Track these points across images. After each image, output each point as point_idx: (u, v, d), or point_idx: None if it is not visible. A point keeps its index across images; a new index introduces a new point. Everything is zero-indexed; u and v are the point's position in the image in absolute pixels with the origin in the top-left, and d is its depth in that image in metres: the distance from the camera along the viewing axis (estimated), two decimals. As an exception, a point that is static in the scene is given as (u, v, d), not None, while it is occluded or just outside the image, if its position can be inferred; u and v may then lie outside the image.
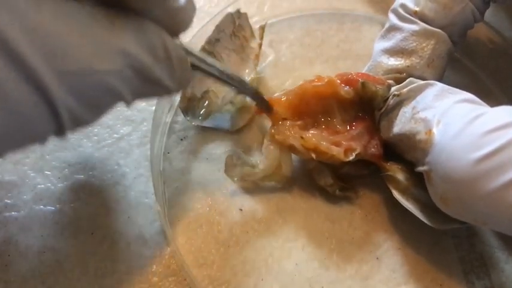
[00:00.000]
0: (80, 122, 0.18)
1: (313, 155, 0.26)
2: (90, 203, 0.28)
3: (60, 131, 0.17)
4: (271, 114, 0.27)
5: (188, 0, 0.20)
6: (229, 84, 0.25)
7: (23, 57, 0.15)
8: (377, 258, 0.27)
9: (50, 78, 0.15)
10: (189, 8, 0.21)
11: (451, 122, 0.23)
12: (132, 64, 0.18)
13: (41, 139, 0.17)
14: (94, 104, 0.18)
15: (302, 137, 0.26)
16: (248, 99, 0.29)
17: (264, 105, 0.27)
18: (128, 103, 0.19)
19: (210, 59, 0.24)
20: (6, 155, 0.16)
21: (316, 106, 0.27)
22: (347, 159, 0.26)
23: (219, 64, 0.24)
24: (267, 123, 0.29)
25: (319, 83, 0.27)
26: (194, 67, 0.23)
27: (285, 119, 0.27)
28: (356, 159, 0.27)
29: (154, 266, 0.26)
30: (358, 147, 0.26)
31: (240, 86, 0.26)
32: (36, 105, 0.15)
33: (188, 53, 0.22)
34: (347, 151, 0.26)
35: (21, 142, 0.16)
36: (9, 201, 0.28)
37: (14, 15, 0.14)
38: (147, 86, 0.19)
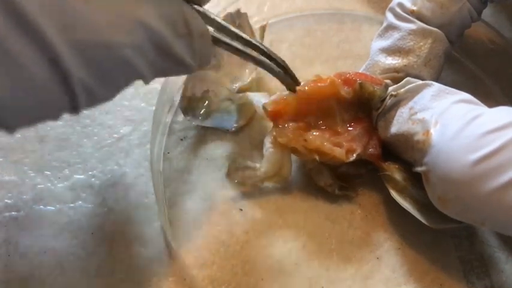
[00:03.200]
0: (95, 98, 0.17)
1: (317, 157, 0.26)
2: (90, 203, 0.28)
3: (75, 106, 0.16)
4: (296, 92, 0.26)
5: None
6: (253, 58, 0.23)
7: (38, 28, 0.14)
8: (377, 258, 0.27)
9: (65, 49, 0.15)
10: None
11: (449, 123, 0.23)
12: (151, 38, 0.17)
13: (56, 114, 0.16)
14: (110, 78, 0.17)
15: (305, 140, 0.26)
16: (249, 97, 0.29)
17: (290, 81, 0.25)
18: (146, 80, 0.19)
19: (234, 29, 0.22)
20: (19, 129, 0.16)
21: (317, 106, 0.27)
22: (348, 160, 0.26)
23: (244, 34, 0.23)
24: (267, 123, 0.29)
25: (322, 84, 0.27)
26: (215, 40, 0.22)
27: (286, 121, 0.27)
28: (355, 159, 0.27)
29: (154, 266, 0.26)
30: (358, 148, 0.26)
31: (266, 58, 0.24)
32: (50, 77, 0.15)
33: (211, 21, 0.21)
34: (348, 152, 0.26)
35: (35, 116, 0.16)
36: (9, 201, 0.28)
37: None
38: (166, 61, 0.19)
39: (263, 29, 0.32)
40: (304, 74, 0.28)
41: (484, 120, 0.22)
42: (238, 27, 0.32)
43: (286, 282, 0.26)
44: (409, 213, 0.26)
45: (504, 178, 0.20)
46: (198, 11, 0.20)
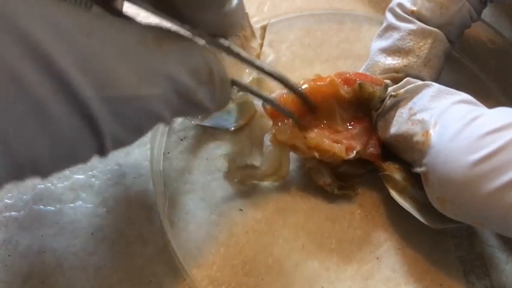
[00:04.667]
0: (121, 144, 0.18)
1: (316, 154, 0.26)
2: (90, 203, 0.28)
3: (102, 152, 0.17)
4: (316, 114, 0.27)
5: (239, 3, 0.20)
6: (270, 100, 0.25)
7: (73, 85, 0.15)
8: (377, 258, 0.27)
9: (98, 106, 0.15)
10: (240, 11, 0.21)
11: (448, 123, 0.23)
12: (176, 88, 0.18)
13: (84, 160, 0.17)
14: (137, 127, 0.18)
15: (305, 137, 0.26)
16: (248, 98, 0.30)
17: (309, 106, 0.27)
18: (167, 123, 0.20)
19: (258, 62, 0.23)
20: (51, 176, 0.16)
21: (317, 106, 0.27)
22: (348, 157, 0.26)
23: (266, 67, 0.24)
24: (267, 122, 0.29)
25: (321, 83, 0.27)
26: (234, 83, 0.22)
27: (286, 119, 0.27)
28: (354, 158, 0.27)
29: (154, 266, 0.26)
30: (358, 146, 0.26)
31: (287, 91, 0.25)
32: (82, 131, 0.16)
33: (233, 53, 0.22)
34: (348, 149, 0.26)
35: (66, 164, 0.17)
36: (9, 201, 0.28)
37: (66, 43, 0.15)
38: (188, 107, 0.19)
39: (264, 28, 0.32)
40: (304, 74, 0.28)
41: (483, 121, 0.22)
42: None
43: (286, 282, 0.26)
44: (409, 213, 0.26)
45: (503, 179, 0.20)
46: (222, 45, 0.21)
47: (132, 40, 0.17)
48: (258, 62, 0.23)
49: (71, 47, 0.15)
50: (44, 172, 0.16)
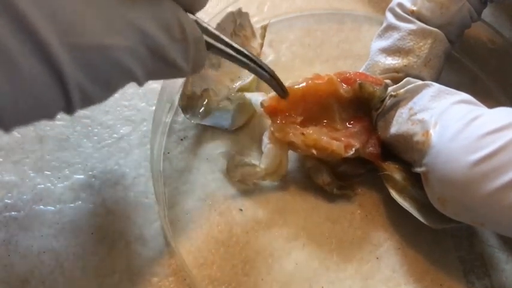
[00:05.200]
0: (89, 99, 0.17)
1: (314, 151, 0.26)
2: (90, 203, 0.28)
3: (69, 107, 0.17)
4: (287, 98, 0.26)
5: None
6: (244, 64, 0.24)
7: (35, 29, 0.14)
8: (377, 258, 0.27)
9: (61, 52, 0.15)
10: None
11: (448, 123, 0.23)
12: (145, 42, 0.18)
13: (51, 114, 0.17)
14: (104, 81, 0.17)
15: (303, 133, 0.26)
16: (247, 97, 0.30)
17: (280, 89, 0.26)
18: (140, 83, 0.19)
19: (226, 38, 0.23)
20: (14, 129, 0.16)
21: (316, 104, 0.27)
22: (347, 155, 0.26)
23: (235, 43, 0.23)
24: (266, 122, 0.29)
25: (319, 81, 0.27)
26: (209, 46, 0.22)
27: (284, 116, 0.27)
28: (354, 157, 0.27)
29: (154, 266, 0.26)
30: (357, 144, 0.26)
31: (256, 66, 0.25)
32: (46, 79, 0.15)
33: (204, 30, 0.21)
34: (346, 147, 0.26)
35: (30, 116, 0.16)
36: (9, 201, 0.28)
37: None
38: (161, 65, 0.19)
39: (265, 28, 0.32)
40: (304, 74, 0.28)
41: (483, 121, 0.22)
42: (239, 26, 0.32)
43: (286, 282, 0.26)
44: (409, 213, 0.26)
45: (504, 179, 0.20)
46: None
47: None
48: (225, 38, 0.23)
49: None
50: (6, 124, 0.16)
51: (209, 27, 0.22)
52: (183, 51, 0.20)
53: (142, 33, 0.18)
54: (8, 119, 0.15)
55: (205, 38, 0.22)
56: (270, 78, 0.25)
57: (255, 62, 0.24)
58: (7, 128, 0.16)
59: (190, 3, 0.20)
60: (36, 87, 0.15)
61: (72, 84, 0.16)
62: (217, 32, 0.22)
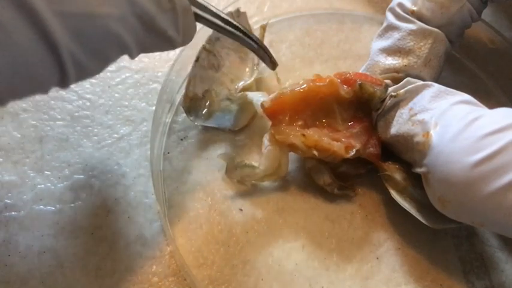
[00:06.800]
0: (84, 70, 0.18)
1: (315, 152, 0.26)
2: (90, 203, 0.28)
3: (64, 78, 0.17)
4: (275, 67, 0.27)
5: None
6: (233, 34, 0.25)
7: None
8: (377, 258, 0.27)
9: (52, 21, 0.15)
10: None
11: (449, 124, 0.23)
12: (135, 11, 0.18)
13: (45, 86, 0.17)
14: (97, 50, 0.18)
15: (303, 135, 0.26)
16: (249, 96, 0.29)
17: (269, 60, 0.26)
18: (132, 55, 0.19)
19: (213, 8, 0.23)
20: (9, 102, 0.16)
21: (316, 105, 0.27)
22: (347, 156, 0.26)
23: (223, 13, 0.24)
24: (268, 123, 0.29)
25: (321, 83, 0.27)
26: (198, 17, 0.23)
27: (284, 118, 0.27)
28: (354, 158, 0.27)
29: (154, 266, 0.26)
30: (357, 144, 0.26)
31: (244, 36, 0.25)
32: (39, 48, 0.15)
33: (191, 1, 0.22)
34: (347, 148, 0.26)
35: (25, 88, 0.16)
36: (9, 201, 0.28)
37: None
38: (151, 36, 0.19)
39: (264, 28, 0.32)
40: (304, 74, 0.28)
41: (483, 122, 0.22)
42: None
43: (286, 282, 0.26)
44: (409, 213, 0.26)
45: (504, 180, 0.20)
46: None
47: None
48: (213, 8, 0.23)
49: None
50: (1, 97, 0.16)
51: None
52: (173, 21, 0.20)
53: (132, 3, 0.18)
54: (3, 92, 0.16)
55: (194, 9, 0.22)
56: (258, 48, 0.26)
57: (243, 32, 0.25)
58: (2, 101, 0.16)
59: None
60: (31, 58, 0.15)
61: (66, 54, 0.16)
62: (204, 3, 0.23)
